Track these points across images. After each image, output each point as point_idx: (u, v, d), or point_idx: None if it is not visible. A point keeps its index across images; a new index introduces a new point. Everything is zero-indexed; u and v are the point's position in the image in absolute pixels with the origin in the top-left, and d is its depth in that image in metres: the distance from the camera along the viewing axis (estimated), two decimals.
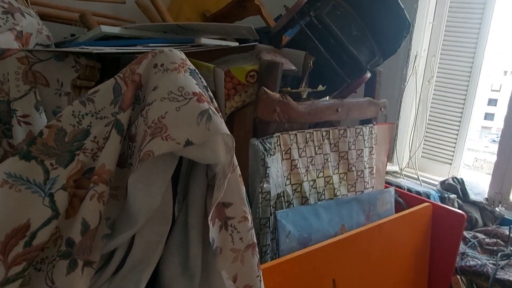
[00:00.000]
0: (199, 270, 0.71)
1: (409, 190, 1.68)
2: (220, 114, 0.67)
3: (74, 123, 0.63)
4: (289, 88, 1.11)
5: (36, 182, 0.58)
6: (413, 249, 1.38)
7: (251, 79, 1.05)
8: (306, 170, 1.20)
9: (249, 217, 0.72)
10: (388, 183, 1.69)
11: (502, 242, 1.55)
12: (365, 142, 1.37)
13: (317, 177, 1.24)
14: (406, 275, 1.37)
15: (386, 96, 1.46)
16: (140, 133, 0.58)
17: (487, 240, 1.57)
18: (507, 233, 1.55)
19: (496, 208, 1.75)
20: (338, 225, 1.17)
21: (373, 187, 1.41)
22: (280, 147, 1.12)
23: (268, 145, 1.06)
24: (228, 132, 0.60)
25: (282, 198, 1.14)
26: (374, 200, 1.29)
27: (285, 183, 1.14)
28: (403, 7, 1.26)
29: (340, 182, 1.31)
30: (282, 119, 1.07)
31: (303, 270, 1.02)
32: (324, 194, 1.26)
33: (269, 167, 1.05)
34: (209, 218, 0.64)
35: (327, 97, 1.40)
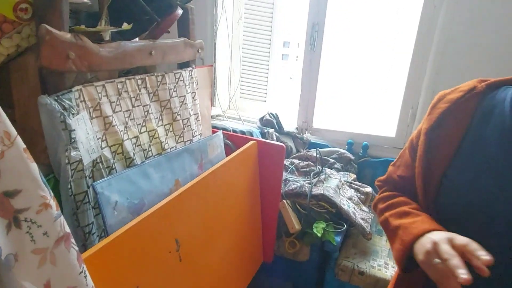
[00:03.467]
0: None
1: (234, 131, 1.72)
2: None
3: None
4: (83, 27, 0.86)
5: None
6: (246, 186, 1.44)
7: (24, 13, 0.76)
8: (125, 127, 1.02)
9: (52, 202, 0.53)
10: (215, 127, 1.69)
11: (312, 164, 1.80)
12: (187, 87, 1.27)
13: (140, 133, 1.08)
14: (243, 210, 1.43)
15: (201, 38, 1.37)
16: None
17: (301, 163, 1.79)
18: (315, 154, 1.81)
19: (304, 135, 2.01)
20: (171, 181, 1.07)
21: (200, 134, 1.35)
22: (85, 103, 0.89)
23: (68, 102, 0.82)
24: None
25: (100, 164, 0.94)
26: (205, 147, 1.24)
27: (101, 146, 0.94)
28: None
29: (167, 134, 1.19)
30: (81, 67, 0.84)
31: (141, 240, 0.89)
32: (151, 150, 1.12)
33: (74, 130, 0.83)
34: None
35: (137, 39, 1.21)
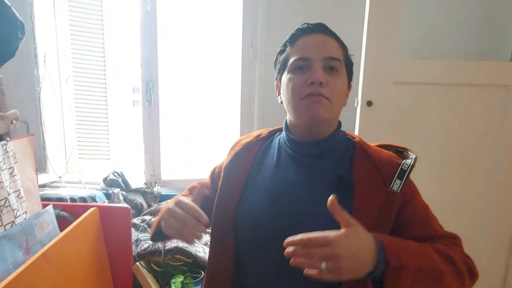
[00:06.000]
0: None
1: (72, 199, 1.58)
2: None
3: None
4: None
5: None
6: (91, 258, 1.33)
7: None
8: None
9: None
10: (48, 199, 1.52)
11: None
12: (1, 163, 1.12)
13: None
14: (89, 285, 1.31)
15: (24, 103, 1.25)
16: None
17: (154, 219, 1.76)
18: None
19: (154, 189, 1.99)
20: None
21: (26, 212, 1.20)
22: None
23: None
24: None
25: None
26: (31, 227, 1.10)
27: None
28: (10, 5, 1.08)
29: None
30: None
31: None
32: None
33: None
34: None
35: None
